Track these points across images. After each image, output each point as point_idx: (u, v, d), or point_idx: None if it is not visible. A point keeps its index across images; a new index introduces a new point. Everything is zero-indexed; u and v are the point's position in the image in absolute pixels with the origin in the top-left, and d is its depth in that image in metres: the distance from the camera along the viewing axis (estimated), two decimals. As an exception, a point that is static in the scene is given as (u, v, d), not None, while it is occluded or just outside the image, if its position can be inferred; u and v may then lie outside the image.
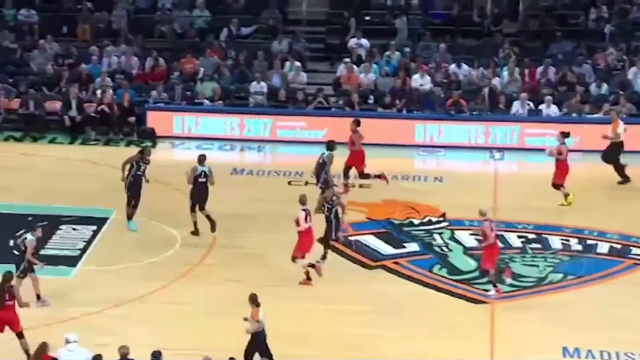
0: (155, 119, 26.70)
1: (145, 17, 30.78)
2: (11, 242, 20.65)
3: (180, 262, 20.09)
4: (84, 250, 20.59)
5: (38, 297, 18.34)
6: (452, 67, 28.64)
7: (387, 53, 28.98)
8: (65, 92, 27.24)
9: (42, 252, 20.35)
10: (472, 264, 20.43)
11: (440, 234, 21.68)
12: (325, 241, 19.93)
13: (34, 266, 18.22)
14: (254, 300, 16.29)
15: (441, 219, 22.33)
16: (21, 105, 27.05)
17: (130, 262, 19.93)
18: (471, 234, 21.62)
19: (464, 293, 19.34)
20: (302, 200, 19.38)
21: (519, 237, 21.65)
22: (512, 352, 17.34)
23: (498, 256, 19.25)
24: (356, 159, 23.21)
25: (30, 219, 21.63)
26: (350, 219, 22.03)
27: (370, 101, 27.85)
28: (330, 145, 22.54)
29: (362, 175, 23.32)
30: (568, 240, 21.54)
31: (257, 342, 16.29)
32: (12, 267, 19.28)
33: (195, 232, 20.96)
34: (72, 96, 26.87)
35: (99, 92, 27.33)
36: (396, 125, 26.84)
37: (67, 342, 15.41)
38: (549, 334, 17.85)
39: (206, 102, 27.39)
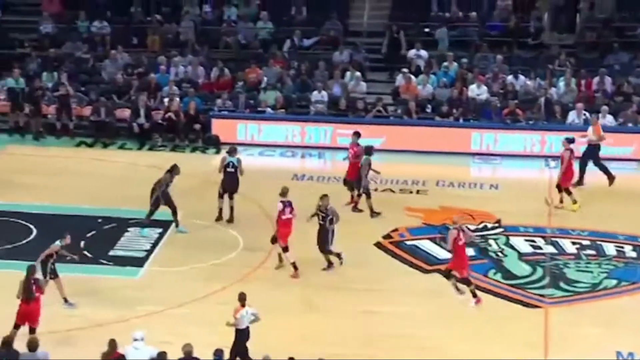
0: (219, 127, 26.78)
1: (211, 29, 30.92)
2: (82, 244, 20.92)
3: (242, 265, 20.09)
4: (150, 252, 20.67)
5: (65, 299, 18.37)
6: (509, 77, 28.37)
7: (445, 64, 28.80)
8: (134, 100, 27.45)
9: (111, 252, 20.62)
10: (527, 269, 20.21)
11: (495, 239, 21.44)
12: (322, 250, 19.75)
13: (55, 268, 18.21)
14: (240, 298, 16.33)
15: (496, 225, 22.10)
16: (93, 112, 27.29)
17: (194, 263, 19.97)
18: (526, 240, 21.39)
19: (519, 297, 19.11)
20: (283, 192, 19.74)
21: (574, 243, 21.35)
22: (565, 355, 17.12)
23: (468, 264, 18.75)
24: (355, 170, 22.51)
25: (99, 221, 21.83)
26: (407, 224, 21.97)
27: (428, 110, 27.67)
28: (369, 150, 22.54)
29: (347, 183, 22.76)
30: (622, 247, 21.16)
31: (238, 340, 16.23)
32: (86, 267, 19.67)
33: (219, 218, 21.48)
34: (141, 104, 27.06)
35: (166, 100, 27.50)
36: (453, 134, 26.63)
37: (134, 339, 15.48)
38: (603, 339, 17.57)
39: (269, 110, 27.43)
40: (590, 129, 24.36)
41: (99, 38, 30.35)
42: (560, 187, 22.81)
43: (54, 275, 18.22)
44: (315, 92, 27.79)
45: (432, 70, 28.57)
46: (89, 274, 19.56)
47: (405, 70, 28.43)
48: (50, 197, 22.86)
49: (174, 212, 21.33)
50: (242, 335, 16.30)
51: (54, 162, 25.38)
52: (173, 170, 21.37)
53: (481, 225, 22.02)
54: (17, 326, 16.83)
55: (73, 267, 19.81)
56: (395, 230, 21.71)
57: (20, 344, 15.44)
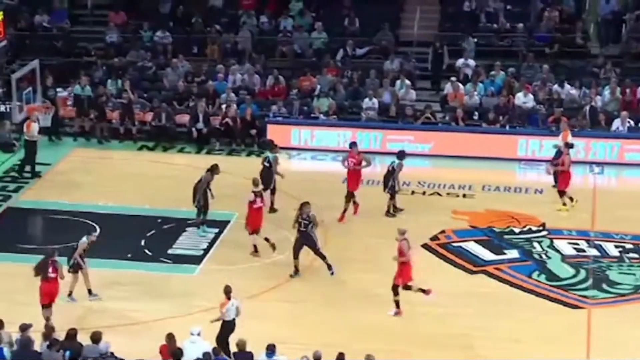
0: (274, 132, 26.82)
1: (268, 39, 31.01)
2: (142, 242, 21.13)
3: (293, 264, 20.09)
4: (207, 251, 20.81)
5: (89, 291, 18.63)
6: (555, 86, 28.11)
7: (492, 72, 28.62)
8: (193, 107, 27.61)
9: (170, 251, 20.78)
10: (570, 270, 20.05)
11: (539, 242, 21.26)
12: (318, 254, 19.67)
13: (82, 264, 18.53)
14: (226, 292, 16.47)
15: (540, 228, 21.92)
16: (154, 117, 27.51)
17: (249, 262, 20.06)
18: (569, 243, 21.20)
19: (562, 298, 18.97)
20: (255, 183, 20.59)
21: (616, 246, 21.12)
22: (607, 356, 16.94)
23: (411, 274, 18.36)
24: (355, 180, 22.27)
25: (159, 221, 22.02)
26: (454, 227, 21.87)
27: (475, 117, 27.51)
28: (401, 154, 22.58)
29: (350, 195, 22.20)
30: (665, 251, 20.93)
31: (223, 330, 16.33)
32: (146, 265, 19.89)
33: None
34: (200, 110, 27.23)
35: (224, 106, 27.63)
36: (499, 140, 26.42)
37: (191, 334, 15.60)
38: (645, 340, 17.35)
39: (321, 116, 27.47)
40: (561, 135, 24.24)
41: (161, 47, 30.60)
42: (560, 192, 22.84)
43: (74, 269, 18.50)
44: (366, 100, 27.76)
45: (479, 79, 28.40)
46: (149, 271, 19.76)
47: (453, 78, 28.32)
48: (113, 198, 23.11)
49: (205, 213, 21.39)
50: (228, 327, 16.41)
51: (117, 165, 25.66)
52: (213, 170, 21.49)
53: (526, 228, 21.88)
54: (46, 305, 17.27)
55: (134, 264, 20.12)
56: (442, 232, 21.65)
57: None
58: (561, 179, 22.85)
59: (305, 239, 19.52)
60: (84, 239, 18.70)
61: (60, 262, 17.80)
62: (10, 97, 25.88)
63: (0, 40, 27.60)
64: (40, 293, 17.43)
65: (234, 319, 16.43)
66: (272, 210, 22.23)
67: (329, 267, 19.61)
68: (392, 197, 22.46)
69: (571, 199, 22.91)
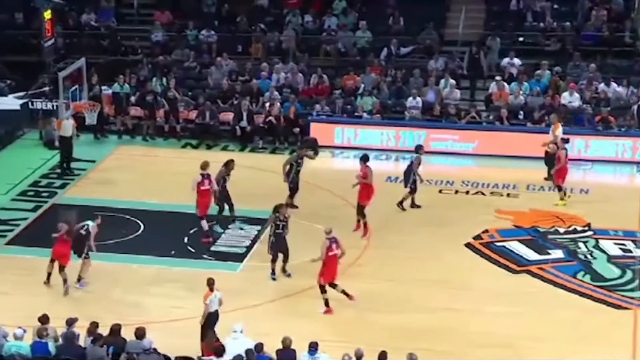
0: (317, 130, 26.84)
1: (312, 38, 31.05)
2: (185, 239, 21.24)
3: (336, 261, 20.12)
4: (249, 248, 20.87)
5: (79, 278, 19.09)
6: (601, 85, 27.81)
7: (538, 72, 28.38)
8: (237, 105, 27.71)
9: (213, 248, 20.88)
10: (616, 271, 19.83)
11: (584, 242, 21.07)
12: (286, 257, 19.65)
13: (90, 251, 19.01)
14: (208, 283, 16.65)
15: (586, 228, 21.71)
16: (198, 116, 27.66)
17: (291, 260, 20.03)
18: (615, 243, 20.96)
19: (607, 299, 18.77)
20: (203, 166, 20.94)
21: (662, 246, 20.89)
22: (653, 357, 16.70)
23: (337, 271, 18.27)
24: (366, 194, 21.57)
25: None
26: (497, 226, 21.73)
27: (520, 117, 27.29)
28: (418, 148, 22.61)
29: (361, 209, 21.38)
30: None
31: (207, 322, 16.42)
32: (189, 262, 20.00)
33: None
34: (244, 108, 27.31)
35: (267, 105, 27.71)
36: (544, 140, 26.10)
37: (234, 331, 15.65)
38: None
39: (365, 115, 27.43)
40: (551, 128, 24.26)
41: (205, 46, 30.76)
42: (558, 187, 22.98)
43: (87, 255, 18.97)
44: (410, 99, 27.67)
45: (524, 78, 28.18)
46: (192, 268, 19.85)
47: (498, 77, 28.12)
48: (156, 195, 23.25)
49: (221, 210, 21.55)
50: (211, 318, 16.46)
51: (161, 163, 25.83)
52: (228, 165, 21.59)
53: (571, 228, 21.69)
54: (51, 260, 18.86)
55: (177, 261, 20.23)
56: (486, 231, 21.52)
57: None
58: (557, 174, 22.78)
59: (279, 240, 19.40)
60: (92, 223, 19.00)
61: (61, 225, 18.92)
62: (57, 95, 26.16)
63: (49, 39, 27.95)
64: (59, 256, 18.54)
65: (216, 310, 16.55)
66: (293, 206, 22.08)
67: (283, 269, 19.62)
68: (412, 192, 22.39)
69: (564, 193, 22.89)
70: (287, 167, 22.23)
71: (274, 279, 19.43)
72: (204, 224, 20.95)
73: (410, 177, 22.35)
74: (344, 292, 18.34)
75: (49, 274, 19.04)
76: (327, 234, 18.41)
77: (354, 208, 21.52)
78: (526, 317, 18.06)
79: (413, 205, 22.64)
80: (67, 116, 25.26)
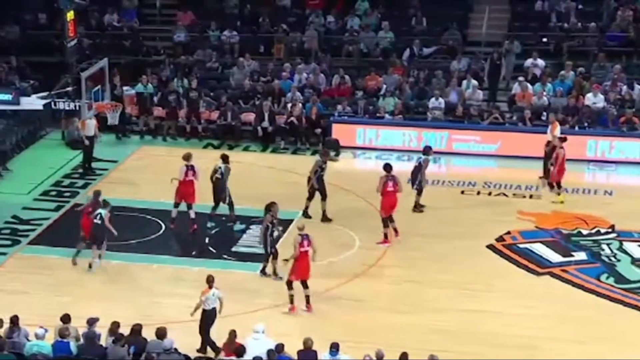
0: (339, 131, 26.86)
1: (334, 38, 31.05)
2: (207, 239, 21.29)
3: (357, 263, 20.14)
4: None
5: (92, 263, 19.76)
6: (625, 86, 27.64)
7: (562, 72, 28.23)
8: (259, 105, 27.76)
9: (234, 248, 20.91)
10: (640, 274, 19.74)
11: (608, 244, 20.95)
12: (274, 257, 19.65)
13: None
14: (208, 280, 16.72)
15: (609, 230, 21.58)
16: (220, 116, 27.71)
17: (312, 260, 20.00)
18: (639, 246, 20.82)
19: (631, 301, 18.68)
20: (186, 157, 21.53)
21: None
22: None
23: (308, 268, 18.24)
24: (389, 204, 21.06)
25: (223, 218, 22.14)
26: (520, 228, 21.65)
27: (543, 118, 27.15)
28: (427, 150, 22.52)
29: (387, 219, 21.01)
30: None
31: (203, 320, 16.51)
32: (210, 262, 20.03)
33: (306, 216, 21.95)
34: (265, 109, 27.35)
35: (289, 105, 27.73)
36: (568, 141, 26.00)
37: (255, 331, 15.66)
38: None
39: (387, 116, 27.41)
40: (549, 128, 24.25)
41: (228, 46, 30.82)
42: (552, 183, 23.08)
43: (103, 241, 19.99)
44: (432, 99, 27.62)
45: (548, 79, 28.05)
46: (213, 269, 19.78)
47: (521, 78, 28.01)
48: (178, 195, 23.28)
49: (217, 205, 21.72)
50: (208, 316, 16.49)
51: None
52: (225, 160, 21.85)
53: (594, 230, 21.58)
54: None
55: (198, 261, 20.29)
56: (508, 233, 21.45)
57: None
58: (555, 173, 22.81)
59: (274, 240, 19.43)
60: (104, 211, 19.65)
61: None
62: (80, 95, 26.31)
63: (72, 40, 28.10)
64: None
65: (214, 308, 16.54)
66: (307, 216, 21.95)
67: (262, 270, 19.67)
68: (419, 193, 22.30)
69: (558, 193, 22.88)
70: (313, 173, 21.91)
71: (280, 278, 19.27)
72: (175, 211, 21.45)
73: (417, 178, 22.22)
74: (307, 297, 18.23)
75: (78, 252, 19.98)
76: (300, 229, 18.37)
77: (376, 209, 21.45)
78: (549, 319, 17.99)
79: (416, 206, 22.38)
80: (90, 116, 25.40)
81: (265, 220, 19.48)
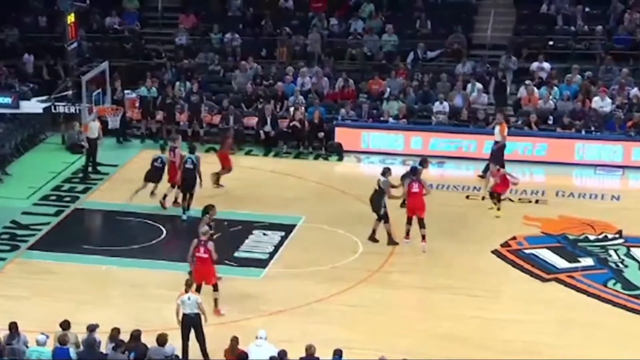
0: (343, 135, 26.86)
1: (337, 41, 31.06)
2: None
3: (361, 268, 20.11)
4: (272, 254, 20.86)
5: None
6: (634, 90, 27.60)
7: (568, 76, 28.22)
8: (261, 109, 27.77)
9: (236, 254, 20.88)
10: (648, 279, 19.70)
11: (615, 250, 20.89)
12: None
13: None
14: (185, 284, 16.58)
15: (617, 235, 21.55)
16: (222, 120, 27.72)
17: (315, 266, 20.04)
18: (647, 251, 20.85)
19: (638, 307, 18.60)
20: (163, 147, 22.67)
21: (696, 253, 20.69)
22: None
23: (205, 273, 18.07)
24: (419, 204, 20.92)
25: (225, 223, 22.08)
26: (525, 233, 21.62)
27: (550, 122, 27.14)
28: (423, 161, 22.11)
29: (421, 221, 20.77)
30: None
31: (182, 324, 16.34)
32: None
33: None
34: (268, 113, 27.36)
35: (292, 109, 27.74)
36: (574, 145, 26.03)
37: (257, 338, 15.63)
38: None
39: (391, 120, 27.40)
40: (497, 128, 24.25)
41: (230, 49, 30.85)
42: (493, 194, 22.62)
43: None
44: (437, 103, 27.61)
45: (554, 83, 28.03)
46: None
47: (527, 82, 27.99)
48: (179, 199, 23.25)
49: (191, 196, 22.03)
50: (184, 322, 16.39)
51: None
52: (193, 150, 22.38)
53: (601, 236, 21.53)
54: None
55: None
56: (514, 238, 21.41)
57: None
58: (498, 183, 22.47)
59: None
60: (165, 155, 22.40)
61: None
62: (80, 99, 26.30)
63: (72, 42, 28.09)
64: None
65: (190, 314, 16.39)
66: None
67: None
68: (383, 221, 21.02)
69: (498, 208, 22.42)
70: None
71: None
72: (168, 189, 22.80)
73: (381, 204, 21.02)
74: (216, 300, 18.20)
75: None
76: (203, 234, 18.12)
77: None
78: (554, 325, 17.95)
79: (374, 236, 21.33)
80: (92, 118, 25.35)
81: (203, 221, 19.28)
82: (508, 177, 22.54)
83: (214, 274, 18.28)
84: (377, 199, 20.89)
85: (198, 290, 17.59)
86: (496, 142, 24.43)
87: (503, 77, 28.68)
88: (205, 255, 18.07)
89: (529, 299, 18.96)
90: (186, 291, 16.58)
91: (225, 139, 24.56)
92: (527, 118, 26.83)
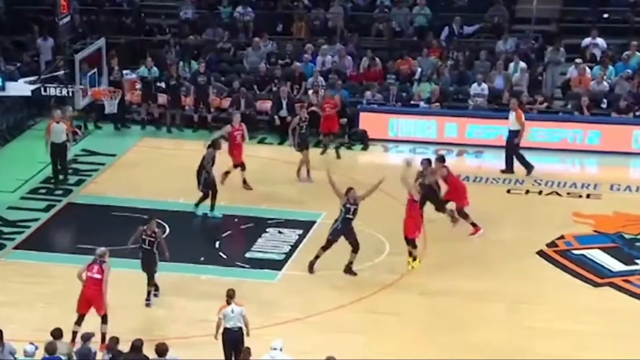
0: (368, 121, 26.91)
1: (362, 15, 31.12)
2: (217, 244, 21.36)
3: (386, 270, 20.15)
4: (289, 255, 20.93)
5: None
6: (697, 69, 27.57)
7: (626, 53, 28.10)
8: (276, 92, 27.81)
9: (248, 254, 20.95)
10: None
11: (675, 249, 20.96)
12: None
13: None
14: (227, 295, 16.59)
15: (680, 234, 21.60)
16: (232, 104, 27.81)
17: (335, 268, 20.05)
18: None
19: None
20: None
21: None
22: None
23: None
24: (456, 193, 21.50)
25: (236, 220, 22.25)
26: (576, 232, 21.60)
27: (604, 105, 27.06)
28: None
29: (461, 212, 21.46)
30: None
31: (223, 342, 16.40)
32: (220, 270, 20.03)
33: None
34: (283, 96, 27.40)
35: (310, 92, 27.78)
36: (632, 132, 25.94)
37: (272, 349, 15.66)
38: None
39: (422, 104, 27.41)
40: (512, 115, 24.32)
41: (241, 24, 30.93)
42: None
43: None
44: (474, 85, 27.61)
45: (609, 62, 27.93)
46: (223, 277, 19.92)
47: (578, 60, 27.89)
48: (184, 194, 23.31)
49: (214, 196, 22.09)
50: (227, 336, 16.42)
51: (189, 157, 25.77)
52: (215, 146, 22.16)
53: (658, 234, 21.59)
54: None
55: (207, 269, 20.36)
56: (561, 238, 21.46)
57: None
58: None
59: (148, 258, 18.99)
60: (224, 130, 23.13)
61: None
62: (73, 80, 26.40)
63: (64, 16, 28.20)
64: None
65: (233, 328, 16.42)
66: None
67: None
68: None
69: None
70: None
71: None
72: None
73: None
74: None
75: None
76: (99, 256, 17.55)
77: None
78: (610, 337, 17.93)
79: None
80: (58, 118, 25.07)
81: (138, 231, 19.26)
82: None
83: (104, 301, 17.51)
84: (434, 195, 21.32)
85: (79, 321, 17.23)
86: (510, 131, 24.37)
87: (540, 73, 28.48)
88: (98, 276, 17.45)
89: (579, 307, 18.95)
90: (228, 303, 16.62)
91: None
92: (578, 101, 26.80)
